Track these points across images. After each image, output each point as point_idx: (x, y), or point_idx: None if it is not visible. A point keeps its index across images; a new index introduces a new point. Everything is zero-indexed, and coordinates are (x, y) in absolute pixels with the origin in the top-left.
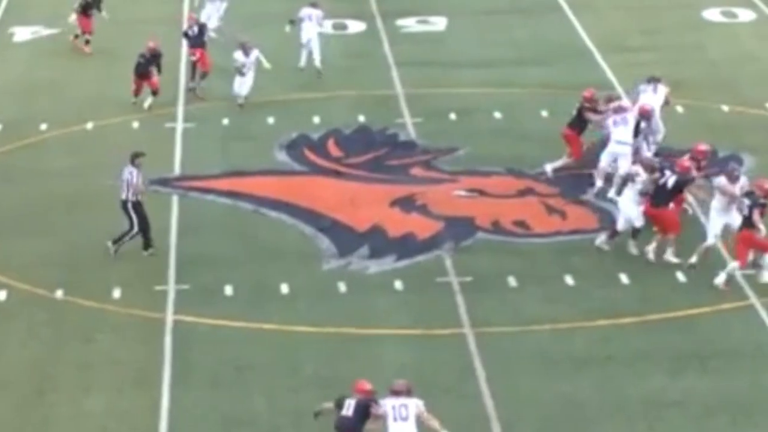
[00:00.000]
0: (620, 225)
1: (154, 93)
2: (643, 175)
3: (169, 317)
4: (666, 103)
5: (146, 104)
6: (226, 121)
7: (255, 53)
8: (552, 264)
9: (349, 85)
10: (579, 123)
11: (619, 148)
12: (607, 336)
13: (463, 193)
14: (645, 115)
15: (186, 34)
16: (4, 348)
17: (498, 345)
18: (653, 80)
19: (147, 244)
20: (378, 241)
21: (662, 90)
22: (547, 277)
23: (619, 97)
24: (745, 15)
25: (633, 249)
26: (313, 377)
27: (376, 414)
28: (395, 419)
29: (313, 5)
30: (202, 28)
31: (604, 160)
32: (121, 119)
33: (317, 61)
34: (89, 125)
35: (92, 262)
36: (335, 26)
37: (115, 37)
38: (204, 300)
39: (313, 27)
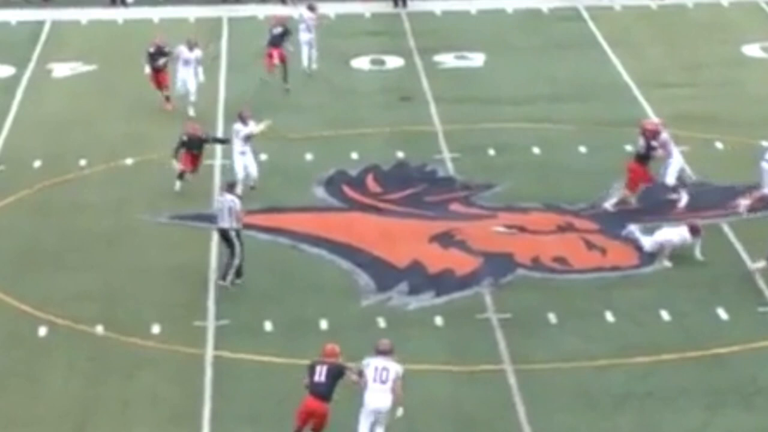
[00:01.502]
0: None
1: (192, 171)
2: None
3: (209, 353)
4: None
5: (176, 187)
6: (264, 157)
7: (252, 124)
8: (592, 300)
9: (388, 120)
10: (647, 156)
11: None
12: (646, 372)
13: (502, 229)
14: None
15: (271, 33)
16: (45, 384)
17: (538, 381)
18: None
19: (239, 273)
20: (417, 277)
21: None
22: (587, 313)
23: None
24: None
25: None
26: (353, 412)
27: (351, 379)
28: (375, 380)
29: (310, 8)
30: (287, 31)
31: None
32: (160, 155)
33: (307, 62)
34: (128, 161)
35: (132, 298)
36: (373, 62)
37: None
38: (244, 335)
39: (304, 32)
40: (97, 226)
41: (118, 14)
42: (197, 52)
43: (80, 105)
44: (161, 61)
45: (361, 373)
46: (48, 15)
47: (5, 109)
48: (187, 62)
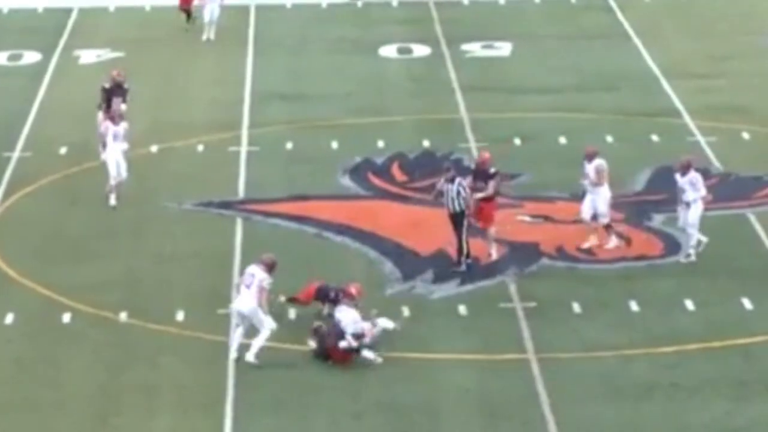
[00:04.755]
0: None
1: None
2: None
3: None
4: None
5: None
6: (289, 145)
7: None
8: (616, 290)
9: (414, 109)
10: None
11: None
12: (671, 362)
13: (527, 218)
14: None
15: None
16: (69, 370)
17: (562, 371)
18: None
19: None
20: (442, 266)
21: None
22: (612, 303)
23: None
24: None
25: None
26: (376, 402)
27: None
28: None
29: None
30: None
31: None
32: (186, 142)
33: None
34: (153, 148)
35: (156, 285)
36: (400, 50)
37: (176, 59)
38: None
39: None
40: (121, 213)
41: (146, 1)
42: (124, 125)
43: None
44: (116, 101)
45: None
46: (75, 2)
47: (32, 95)
48: (115, 136)
